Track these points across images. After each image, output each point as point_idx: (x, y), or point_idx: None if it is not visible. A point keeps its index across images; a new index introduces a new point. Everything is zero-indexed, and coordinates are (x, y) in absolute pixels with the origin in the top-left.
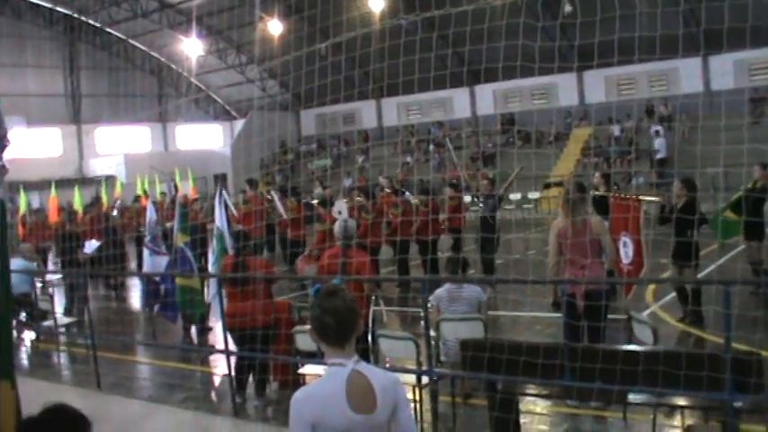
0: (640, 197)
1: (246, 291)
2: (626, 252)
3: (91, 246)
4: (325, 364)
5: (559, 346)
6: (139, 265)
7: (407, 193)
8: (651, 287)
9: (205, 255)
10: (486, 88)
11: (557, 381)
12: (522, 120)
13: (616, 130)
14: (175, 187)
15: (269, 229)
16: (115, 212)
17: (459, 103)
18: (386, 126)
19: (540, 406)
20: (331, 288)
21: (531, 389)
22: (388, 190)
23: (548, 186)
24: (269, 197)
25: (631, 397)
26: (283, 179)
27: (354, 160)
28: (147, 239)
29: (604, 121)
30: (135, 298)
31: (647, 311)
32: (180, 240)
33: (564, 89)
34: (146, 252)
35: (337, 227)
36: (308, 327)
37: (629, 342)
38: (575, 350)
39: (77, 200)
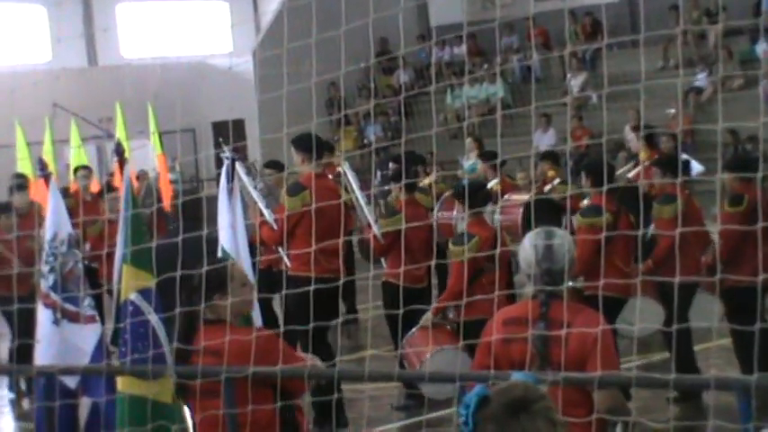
0: None
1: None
2: None
3: None
4: None
5: None
6: (21, 352)
7: (694, 164)
8: None
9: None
10: None
11: None
12: None
13: None
14: (119, 152)
15: (346, 255)
16: None
17: None
18: None
19: None
20: (517, 395)
21: None
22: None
23: None
24: (339, 178)
25: None
26: (384, 133)
27: (563, 85)
28: (44, 283)
29: None
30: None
31: None
32: (132, 285)
33: None
34: (43, 316)
35: (528, 250)
36: None
37: None
38: None
39: None
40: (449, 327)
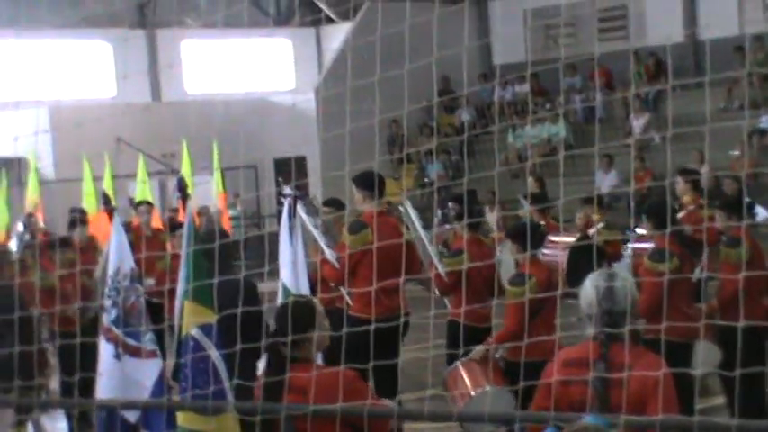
0: None
1: None
2: None
3: None
4: None
5: None
6: (82, 385)
7: (760, 210)
8: None
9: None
10: None
11: None
12: None
13: None
14: (181, 188)
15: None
16: (13, 248)
17: None
18: (708, 39)
19: None
20: None
21: None
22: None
23: None
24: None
25: None
26: (445, 171)
27: (626, 126)
28: (106, 318)
29: None
30: None
31: None
32: (192, 321)
33: None
34: (104, 350)
35: (589, 291)
36: None
37: None
38: None
39: None
40: (500, 364)
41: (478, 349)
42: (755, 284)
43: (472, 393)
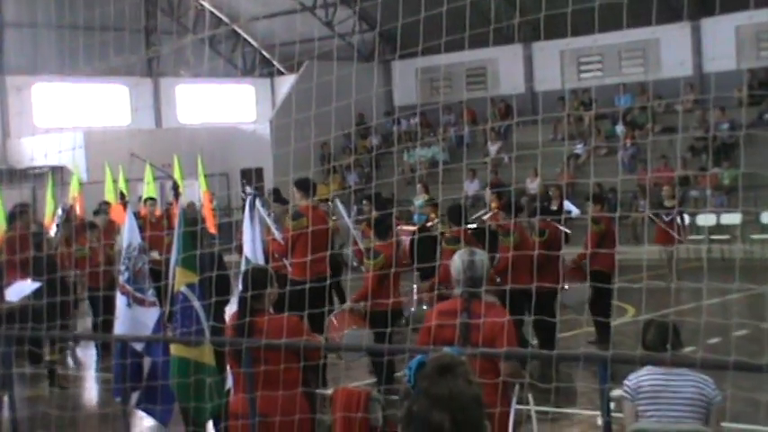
0: None
1: (264, 374)
2: None
3: (21, 289)
4: None
5: None
6: (104, 324)
7: (572, 207)
8: None
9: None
10: (727, 21)
11: None
12: None
13: None
14: (175, 188)
15: (334, 266)
16: (54, 229)
17: (672, 46)
18: (541, 90)
19: None
20: (445, 362)
21: None
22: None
23: None
24: (332, 211)
25: None
26: (360, 179)
27: (484, 149)
28: (121, 278)
29: None
30: (91, 381)
31: None
32: (182, 281)
33: None
34: (120, 301)
35: (457, 262)
36: None
37: None
38: None
39: None
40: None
41: (347, 303)
42: (521, 260)
43: (345, 332)
